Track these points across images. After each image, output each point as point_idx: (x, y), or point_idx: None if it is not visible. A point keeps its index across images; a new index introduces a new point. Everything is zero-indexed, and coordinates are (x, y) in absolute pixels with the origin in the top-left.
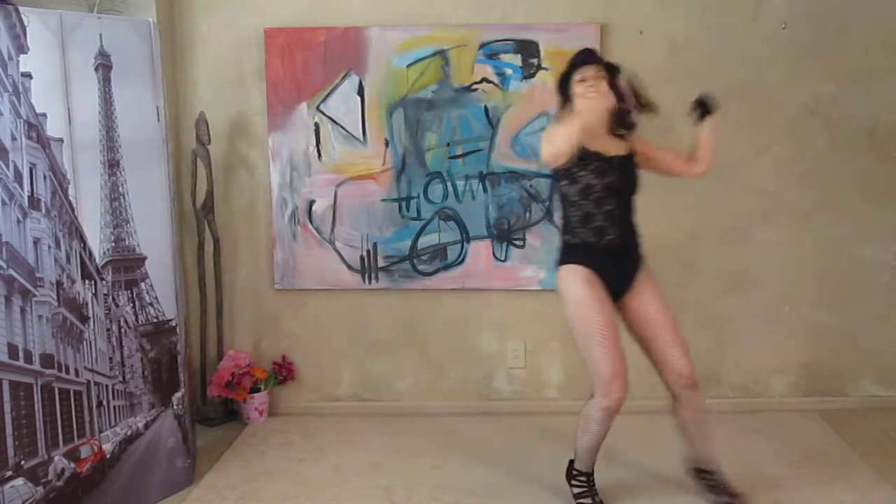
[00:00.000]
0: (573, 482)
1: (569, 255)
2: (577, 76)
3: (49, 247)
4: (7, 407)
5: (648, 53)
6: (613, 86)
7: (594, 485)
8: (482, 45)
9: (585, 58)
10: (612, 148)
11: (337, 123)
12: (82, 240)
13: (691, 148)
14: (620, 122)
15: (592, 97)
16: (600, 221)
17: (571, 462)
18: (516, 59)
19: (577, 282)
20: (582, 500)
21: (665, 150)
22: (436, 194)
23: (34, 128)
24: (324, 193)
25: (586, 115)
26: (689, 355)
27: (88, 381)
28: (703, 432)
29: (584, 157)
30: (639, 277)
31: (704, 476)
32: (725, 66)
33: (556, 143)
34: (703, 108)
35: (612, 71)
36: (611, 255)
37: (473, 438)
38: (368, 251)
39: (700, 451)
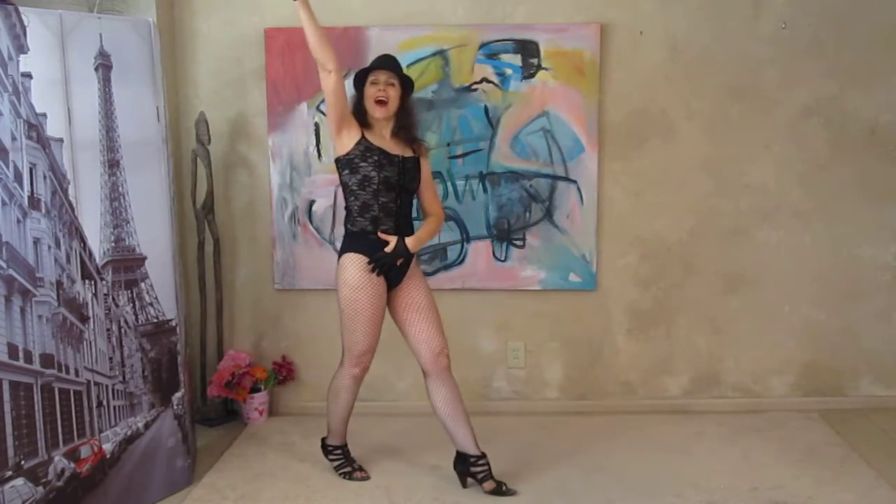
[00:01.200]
0: (330, 457)
1: (350, 244)
2: (371, 77)
3: (49, 247)
4: (7, 407)
5: (648, 53)
6: (403, 96)
7: (350, 454)
8: (482, 45)
9: (382, 63)
10: (396, 148)
11: None
12: (82, 240)
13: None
14: (403, 129)
15: (379, 105)
16: (376, 212)
17: (324, 440)
18: (516, 59)
19: (356, 268)
20: (343, 470)
21: (429, 186)
22: None
23: (34, 128)
24: (324, 193)
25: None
26: (444, 336)
27: (88, 381)
28: (458, 414)
29: (367, 150)
30: (411, 268)
31: (471, 463)
32: (725, 66)
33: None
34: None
35: (404, 83)
36: (386, 245)
37: None
38: None
39: (459, 437)
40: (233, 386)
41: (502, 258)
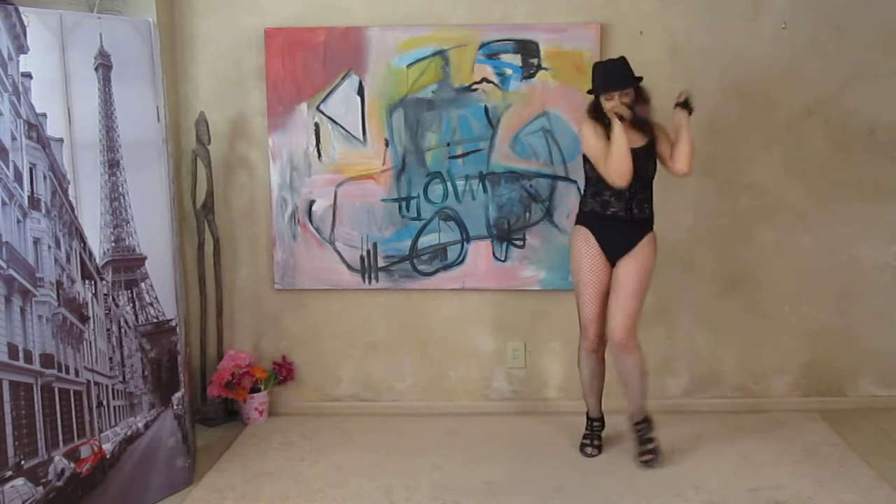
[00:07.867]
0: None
1: (579, 218)
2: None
3: (49, 247)
4: (7, 407)
5: (648, 53)
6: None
7: (597, 431)
8: (482, 45)
9: (613, 84)
10: (632, 140)
11: (337, 123)
12: (82, 240)
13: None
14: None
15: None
16: (608, 197)
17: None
18: (516, 59)
19: (578, 240)
20: (582, 441)
21: (665, 138)
22: (436, 194)
23: (34, 128)
24: (324, 193)
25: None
26: (627, 323)
27: (88, 381)
28: (631, 388)
29: None
30: (638, 245)
31: (636, 427)
32: (725, 66)
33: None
34: (687, 105)
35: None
36: (614, 224)
37: (473, 438)
38: (368, 251)
39: (631, 403)
40: (233, 386)
41: (502, 258)
